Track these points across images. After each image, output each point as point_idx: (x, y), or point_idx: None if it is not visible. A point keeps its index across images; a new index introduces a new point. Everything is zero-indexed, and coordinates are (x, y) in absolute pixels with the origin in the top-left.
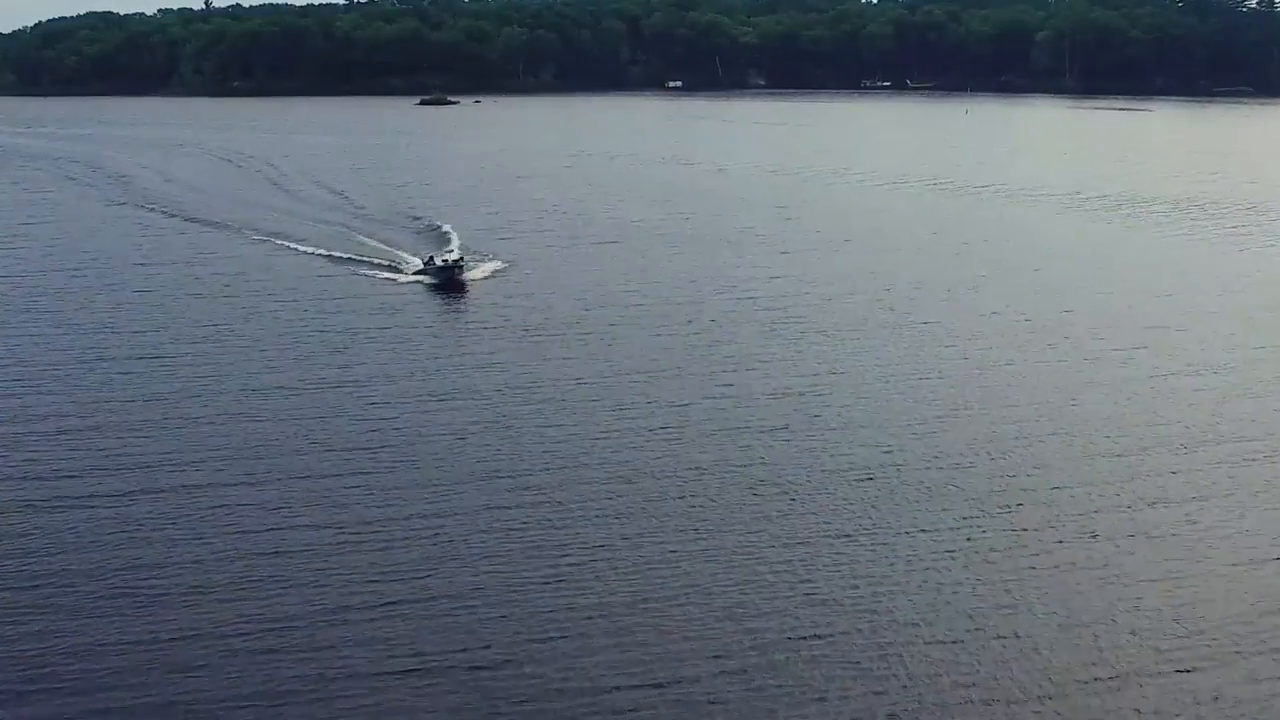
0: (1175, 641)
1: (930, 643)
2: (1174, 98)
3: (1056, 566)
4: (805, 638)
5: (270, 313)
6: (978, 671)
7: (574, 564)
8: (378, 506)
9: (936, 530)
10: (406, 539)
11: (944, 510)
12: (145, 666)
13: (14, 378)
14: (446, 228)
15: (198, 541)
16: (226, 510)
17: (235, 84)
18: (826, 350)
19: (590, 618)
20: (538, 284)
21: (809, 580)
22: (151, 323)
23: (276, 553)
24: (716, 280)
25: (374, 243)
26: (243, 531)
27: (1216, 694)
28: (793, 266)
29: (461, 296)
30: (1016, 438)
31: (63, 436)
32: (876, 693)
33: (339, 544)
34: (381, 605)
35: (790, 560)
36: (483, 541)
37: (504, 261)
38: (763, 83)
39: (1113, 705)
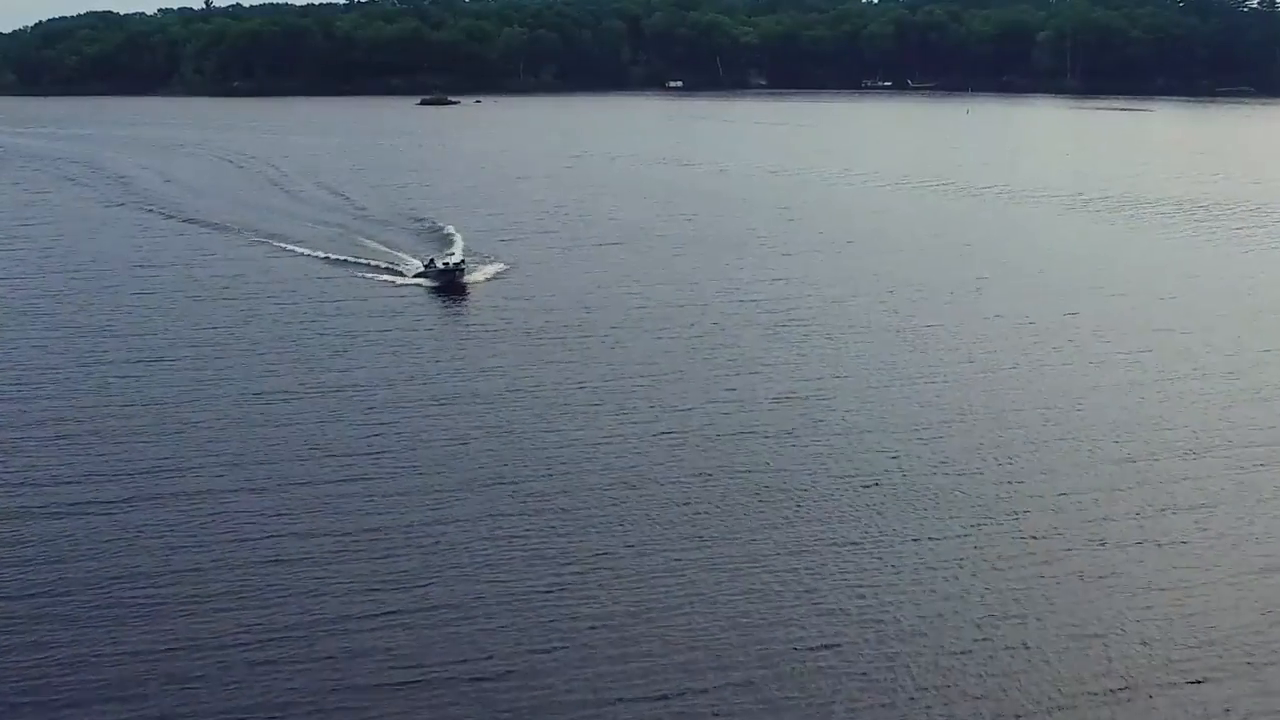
0: (1186, 652)
1: (939, 653)
2: (1175, 98)
3: (1065, 575)
4: (813, 648)
5: (269, 315)
6: (986, 683)
7: (577, 572)
8: (378, 513)
9: (943, 538)
10: (407, 546)
11: (951, 517)
12: (142, 678)
13: (10, 381)
14: (450, 229)
15: (195, 549)
16: (224, 517)
17: (235, 84)
18: (830, 353)
19: (594, 627)
20: (539, 286)
21: (815, 589)
22: (150, 325)
23: (275, 560)
24: (719, 282)
25: (375, 244)
26: (241, 539)
27: (1229, 706)
28: (795, 268)
29: (462, 299)
30: (1022, 442)
31: (60, 441)
32: (884, 704)
33: (338, 552)
34: (382, 614)
35: (796, 568)
36: (484, 549)
37: (505, 264)
38: (763, 83)
39: (1123, 717)
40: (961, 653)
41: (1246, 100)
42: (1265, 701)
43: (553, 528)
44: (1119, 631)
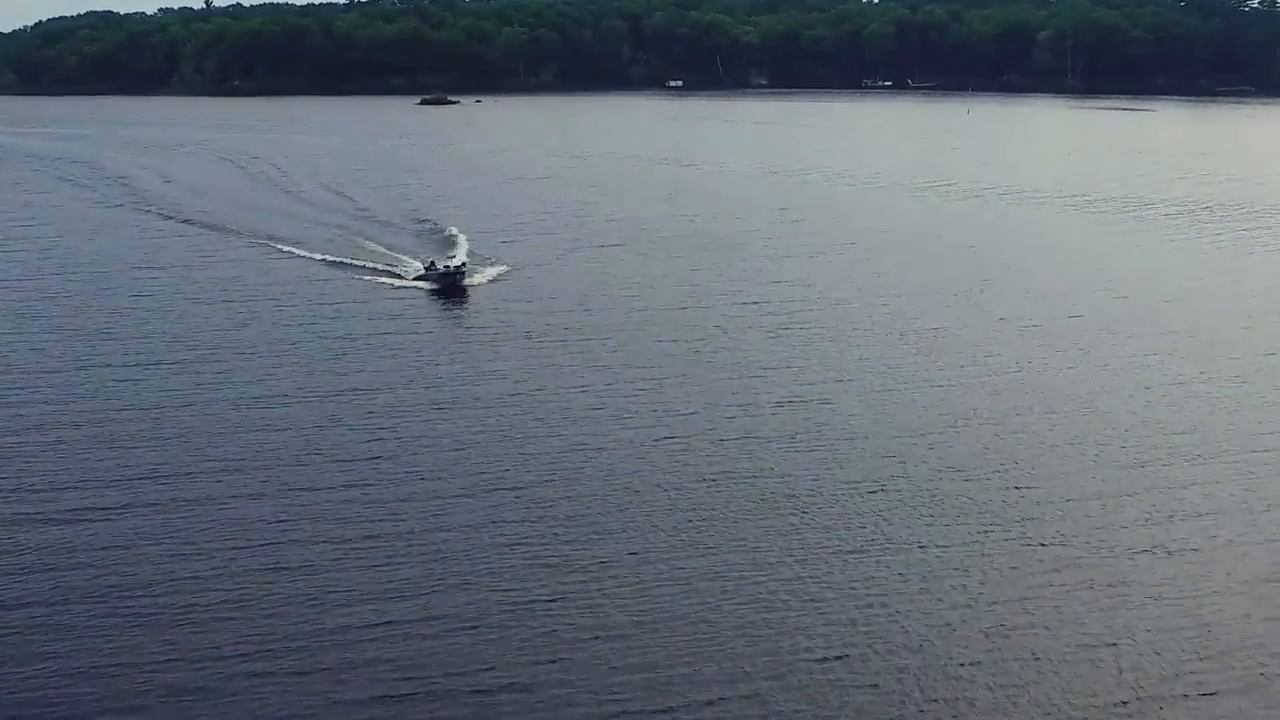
0: (1198, 664)
1: (948, 664)
2: (1176, 97)
3: (1074, 583)
4: (821, 659)
5: (269, 318)
6: (996, 695)
7: (579, 581)
8: (377, 521)
9: (950, 545)
10: (407, 555)
11: (957, 524)
12: (140, 690)
13: (7, 385)
14: (454, 230)
15: (193, 557)
16: (221, 525)
17: (235, 84)
18: (833, 357)
19: (597, 638)
20: (540, 289)
21: (821, 598)
22: (148, 328)
23: (274, 568)
24: (721, 284)
25: (376, 246)
26: (238, 547)
27: None
28: (797, 270)
29: (463, 302)
30: (1028, 447)
31: (57, 446)
32: (894, 718)
33: (338, 559)
34: (381, 624)
35: (801, 577)
36: (485, 557)
37: (506, 266)
38: (764, 82)
39: None
40: (971, 664)
41: (1247, 100)
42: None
43: (555, 535)
44: (1130, 641)
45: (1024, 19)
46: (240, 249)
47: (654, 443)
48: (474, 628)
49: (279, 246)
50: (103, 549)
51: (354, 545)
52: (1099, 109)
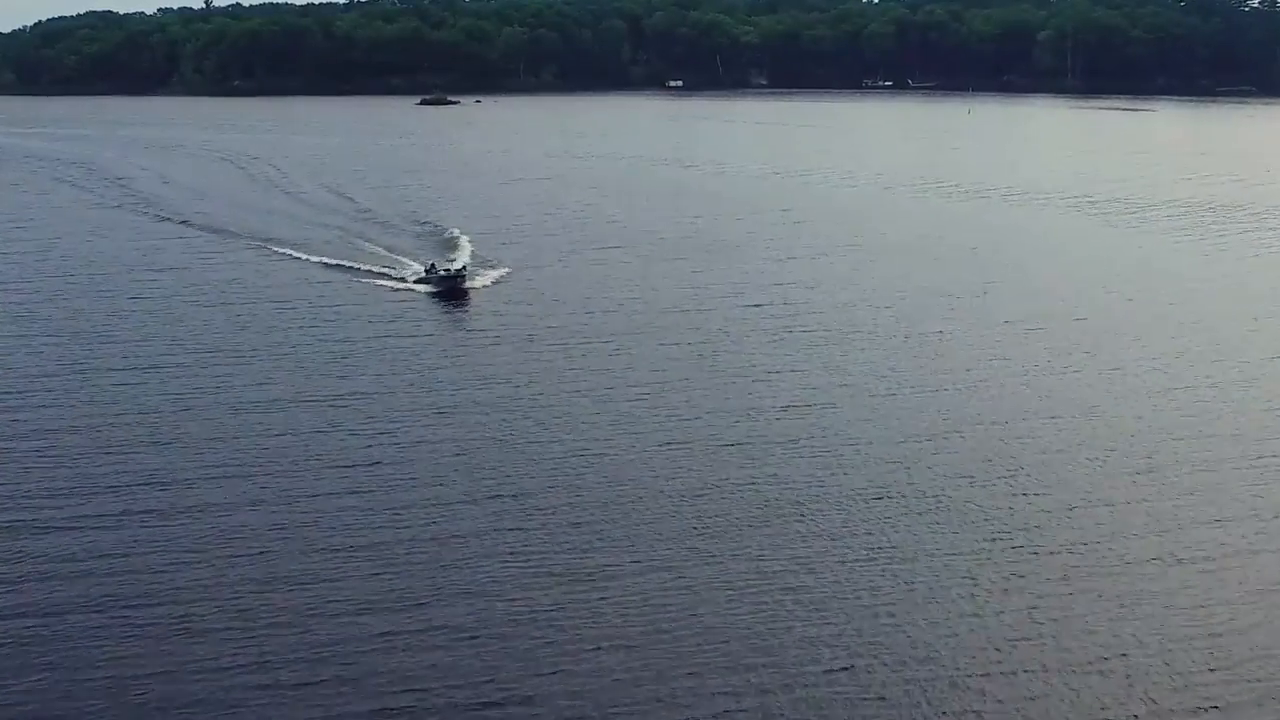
0: (1209, 675)
1: (956, 675)
2: (1176, 97)
3: (1082, 592)
4: (827, 670)
5: (268, 321)
6: (1006, 707)
7: (581, 590)
8: (376, 528)
9: (957, 553)
10: (407, 563)
11: (963, 531)
12: (135, 702)
13: (2, 390)
14: (455, 232)
15: (190, 566)
16: (218, 534)
17: (235, 84)
18: (836, 360)
19: (600, 648)
20: (541, 292)
21: (827, 608)
22: (146, 331)
23: (272, 578)
24: (722, 287)
25: (376, 248)
26: (234, 556)
27: None
28: (799, 273)
29: (464, 305)
30: (1034, 453)
31: (52, 452)
32: None
33: (337, 568)
34: (380, 635)
35: (807, 585)
36: (486, 566)
37: (507, 268)
38: (764, 82)
39: None
40: (979, 675)
41: (1248, 100)
42: None
43: (556, 543)
44: (1140, 653)
45: (1024, 19)
46: (240, 251)
47: (657, 448)
48: (475, 637)
49: (279, 249)
50: (99, 557)
51: (354, 553)
52: (1099, 109)
